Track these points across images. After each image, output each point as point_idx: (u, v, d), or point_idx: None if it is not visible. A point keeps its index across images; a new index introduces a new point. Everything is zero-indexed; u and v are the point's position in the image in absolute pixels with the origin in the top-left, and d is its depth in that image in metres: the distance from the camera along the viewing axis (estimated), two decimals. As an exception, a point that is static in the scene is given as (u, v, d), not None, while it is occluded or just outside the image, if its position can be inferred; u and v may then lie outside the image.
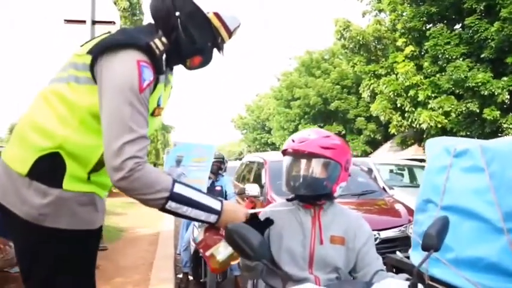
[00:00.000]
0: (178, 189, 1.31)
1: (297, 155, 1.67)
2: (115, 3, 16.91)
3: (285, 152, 1.74)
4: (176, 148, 1.71)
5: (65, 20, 4.43)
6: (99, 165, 1.36)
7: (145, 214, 8.33)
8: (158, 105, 1.43)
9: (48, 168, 1.32)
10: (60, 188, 1.32)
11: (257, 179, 5.78)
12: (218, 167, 4.58)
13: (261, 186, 5.28)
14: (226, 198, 4.40)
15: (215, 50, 1.54)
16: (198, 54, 1.48)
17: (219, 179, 4.61)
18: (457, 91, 11.85)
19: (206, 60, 1.53)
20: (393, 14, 13.70)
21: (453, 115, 12.03)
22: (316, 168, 1.64)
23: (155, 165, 25.67)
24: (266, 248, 1.30)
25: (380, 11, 15.05)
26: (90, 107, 1.31)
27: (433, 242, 1.31)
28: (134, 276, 4.24)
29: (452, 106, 11.83)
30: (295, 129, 21.80)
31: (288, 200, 1.78)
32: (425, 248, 1.34)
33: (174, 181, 1.32)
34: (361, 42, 14.15)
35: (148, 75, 1.30)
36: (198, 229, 3.59)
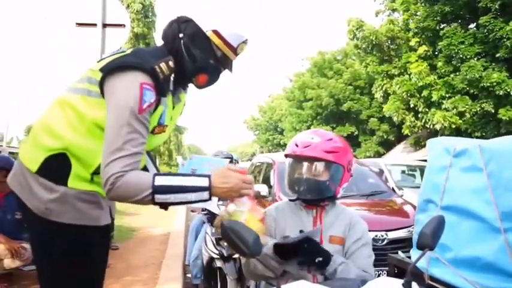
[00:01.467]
0: (159, 181, 1.35)
1: (301, 158, 1.69)
2: (128, 6, 17.17)
3: (288, 156, 1.75)
4: (191, 161, 1.79)
5: (77, 24, 4.52)
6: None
7: (157, 214, 8.42)
8: (160, 123, 1.50)
9: (56, 167, 1.44)
10: (66, 186, 1.44)
11: (266, 180, 5.81)
12: None
13: (270, 187, 5.30)
14: None
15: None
16: (201, 73, 1.55)
17: None
18: (472, 91, 11.69)
19: (212, 78, 1.60)
20: (406, 13, 13.60)
21: (467, 115, 11.88)
22: (320, 172, 1.67)
23: (168, 165, 25.86)
24: (261, 245, 1.33)
25: (393, 10, 14.95)
26: (96, 119, 1.42)
27: (427, 241, 1.31)
28: (143, 275, 4.30)
29: (467, 106, 11.68)
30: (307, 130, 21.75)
31: (290, 200, 1.80)
32: (420, 247, 1.34)
33: (154, 175, 1.37)
34: (374, 42, 14.08)
35: (150, 97, 1.39)
36: (212, 238, 3.45)
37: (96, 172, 1.44)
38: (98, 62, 1.54)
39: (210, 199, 1.42)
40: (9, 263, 3.57)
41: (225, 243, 2.87)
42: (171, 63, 1.47)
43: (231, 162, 4.61)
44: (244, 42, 1.57)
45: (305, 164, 1.68)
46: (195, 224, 4.52)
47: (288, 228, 1.71)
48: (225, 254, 3.30)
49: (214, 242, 3.43)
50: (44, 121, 1.50)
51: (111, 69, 1.40)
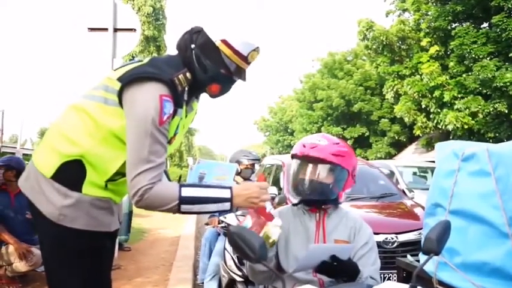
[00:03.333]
0: (186, 192, 1.42)
1: (307, 159, 1.70)
2: (139, 9, 17.35)
3: (294, 156, 1.77)
4: (199, 165, 1.82)
5: (89, 28, 4.60)
6: (116, 175, 1.49)
7: (168, 216, 8.48)
8: (175, 133, 1.54)
9: (71, 173, 1.45)
10: (80, 192, 1.45)
11: (276, 182, 5.81)
12: (252, 170, 4.06)
13: (280, 188, 5.30)
14: None
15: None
16: (213, 82, 1.56)
17: None
18: (485, 91, 11.54)
19: (225, 87, 1.61)
20: (417, 13, 13.48)
21: (480, 116, 11.73)
22: (325, 174, 1.68)
23: (178, 166, 26.00)
24: (266, 250, 1.35)
25: (404, 10, 14.83)
26: (112, 128, 1.44)
27: (433, 246, 1.32)
28: (154, 276, 4.35)
29: (480, 107, 11.53)
30: (318, 131, 21.64)
31: (293, 205, 1.82)
32: (425, 251, 1.35)
33: (181, 186, 1.43)
34: (384, 43, 13.98)
35: (169, 108, 1.42)
36: (232, 255, 2.94)
37: (111, 179, 1.48)
38: (114, 70, 1.55)
39: (231, 209, 1.50)
40: (19, 266, 3.61)
41: None
42: (188, 74, 1.50)
43: (253, 165, 4.04)
44: (255, 50, 1.55)
45: (310, 165, 1.69)
46: (208, 238, 3.97)
47: (291, 233, 1.72)
48: (250, 278, 2.74)
49: (237, 261, 2.93)
50: (59, 127, 1.52)
51: (130, 80, 1.42)
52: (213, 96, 1.62)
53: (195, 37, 1.54)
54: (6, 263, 3.65)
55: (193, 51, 1.52)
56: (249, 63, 1.57)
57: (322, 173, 1.68)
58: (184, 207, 1.42)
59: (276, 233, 1.52)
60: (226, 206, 1.46)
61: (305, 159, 1.71)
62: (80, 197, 1.45)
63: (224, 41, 1.51)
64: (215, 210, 1.49)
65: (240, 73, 1.58)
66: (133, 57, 17.58)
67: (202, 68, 1.52)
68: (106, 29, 4.60)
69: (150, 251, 5.70)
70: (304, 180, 1.70)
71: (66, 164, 1.45)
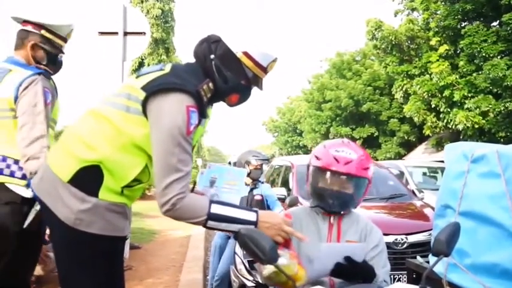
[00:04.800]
0: (215, 209, 1.46)
1: (339, 174, 1.69)
2: (148, 12, 17.48)
3: (325, 169, 1.70)
4: (210, 170, 1.85)
5: (99, 32, 4.66)
6: (133, 182, 1.51)
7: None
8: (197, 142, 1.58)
9: (88, 178, 1.46)
10: (97, 197, 1.46)
11: (285, 183, 5.83)
12: (261, 171, 4.00)
13: (289, 189, 5.31)
14: (269, 207, 3.79)
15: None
16: (233, 93, 1.60)
17: (258, 186, 3.94)
18: (495, 90, 11.43)
19: (244, 96, 1.64)
20: (426, 12, 13.38)
21: (491, 115, 11.60)
22: (354, 187, 1.71)
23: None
24: (277, 252, 1.38)
25: (413, 9, 14.74)
26: (133, 135, 1.47)
27: (442, 248, 1.33)
28: (165, 277, 4.39)
29: (490, 106, 11.41)
30: (327, 132, 21.59)
31: (311, 207, 1.83)
32: (435, 253, 1.36)
33: (211, 202, 1.46)
34: (393, 42, 13.89)
35: (195, 119, 1.45)
36: (243, 260, 2.99)
37: (127, 186, 1.50)
38: (136, 77, 1.55)
39: None
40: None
41: None
42: (211, 85, 1.53)
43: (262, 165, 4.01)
44: (274, 60, 1.61)
45: (340, 178, 1.69)
46: (218, 242, 3.90)
47: (304, 233, 1.73)
48: (261, 281, 2.90)
49: (247, 266, 2.96)
50: (78, 132, 1.53)
51: (156, 90, 1.43)
52: (231, 105, 1.66)
53: (214, 47, 1.56)
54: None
55: (213, 62, 1.54)
56: (267, 73, 1.62)
57: (349, 185, 1.70)
58: (211, 223, 1.45)
59: (284, 262, 1.48)
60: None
61: (336, 173, 1.69)
62: (96, 202, 1.46)
63: (246, 53, 1.55)
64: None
65: (258, 82, 1.63)
66: (142, 59, 17.72)
67: (223, 79, 1.54)
68: (116, 33, 4.66)
69: (160, 252, 5.74)
70: (329, 191, 1.70)
71: (84, 169, 1.46)
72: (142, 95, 1.45)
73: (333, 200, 1.71)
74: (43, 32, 2.24)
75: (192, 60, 1.63)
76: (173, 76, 1.49)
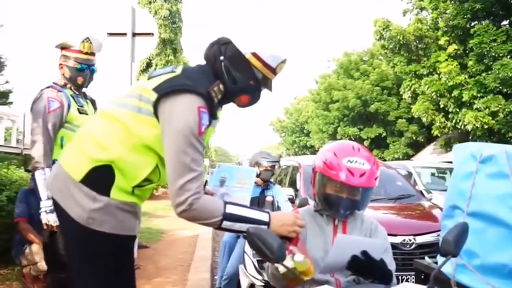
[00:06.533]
0: (230, 209, 1.48)
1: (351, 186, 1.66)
2: (156, 13, 17.55)
3: (344, 184, 1.64)
4: (220, 170, 1.86)
5: (108, 33, 4.70)
6: (144, 182, 1.54)
7: (185, 216, 8.56)
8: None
9: (100, 178, 1.49)
10: (108, 196, 1.49)
11: (292, 183, 5.83)
12: (272, 172, 3.93)
13: (296, 190, 5.32)
14: (279, 209, 3.76)
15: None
16: (243, 94, 1.61)
17: (270, 187, 3.91)
18: (505, 90, 11.31)
19: (254, 98, 1.65)
20: (435, 11, 13.28)
21: (501, 115, 11.49)
22: (362, 195, 1.70)
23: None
24: (285, 251, 1.39)
25: (421, 9, 14.63)
26: (145, 137, 1.49)
27: (450, 248, 1.33)
28: (173, 277, 4.42)
29: (500, 106, 11.30)
30: (334, 132, 21.53)
31: (315, 211, 1.82)
32: (443, 253, 1.36)
33: (225, 203, 1.49)
34: (401, 42, 13.80)
35: (206, 120, 1.48)
36: (252, 259, 2.97)
37: (138, 185, 1.53)
38: (148, 79, 1.58)
39: None
40: (44, 265, 3.68)
41: None
42: (221, 86, 1.55)
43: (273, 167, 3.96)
44: (283, 61, 1.62)
45: (352, 189, 1.66)
46: (227, 241, 3.79)
47: (309, 234, 1.74)
48: (271, 282, 2.75)
49: (257, 265, 2.92)
50: (91, 132, 1.56)
51: (168, 92, 1.45)
52: (241, 106, 1.67)
53: (224, 49, 1.57)
54: (31, 263, 3.75)
55: (223, 63, 1.56)
56: (276, 75, 1.63)
57: (358, 193, 1.68)
58: (226, 223, 1.46)
59: (293, 263, 1.49)
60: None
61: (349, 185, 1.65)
62: (108, 201, 1.48)
63: (254, 54, 1.57)
64: None
65: (267, 83, 1.64)
66: (150, 60, 17.80)
67: (232, 80, 1.56)
68: (125, 34, 4.70)
69: (168, 251, 5.78)
70: (339, 198, 1.68)
71: (96, 168, 1.48)
72: (154, 96, 1.47)
73: (341, 208, 1.69)
74: None
75: (202, 62, 1.65)
76: (184, 78, 1.51)
